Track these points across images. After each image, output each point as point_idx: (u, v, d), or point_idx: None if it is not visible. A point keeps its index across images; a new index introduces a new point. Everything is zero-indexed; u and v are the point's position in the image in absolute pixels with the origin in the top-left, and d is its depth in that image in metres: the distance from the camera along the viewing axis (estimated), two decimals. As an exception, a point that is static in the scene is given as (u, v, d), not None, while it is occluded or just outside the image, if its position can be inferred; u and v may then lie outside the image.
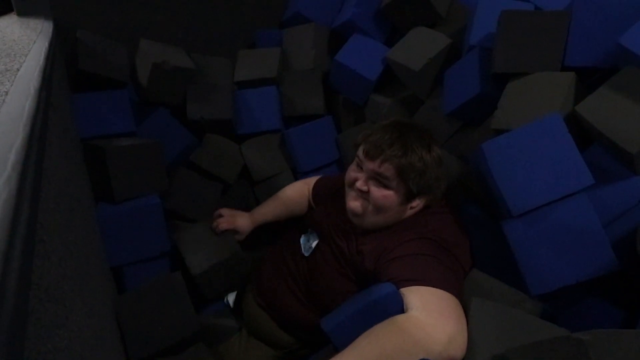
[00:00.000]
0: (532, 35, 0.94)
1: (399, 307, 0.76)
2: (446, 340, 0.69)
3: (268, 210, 1.28)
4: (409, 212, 0.96)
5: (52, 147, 0.63)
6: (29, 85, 0.52)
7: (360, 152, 0.96)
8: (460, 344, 0.70)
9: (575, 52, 0.92)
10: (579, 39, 0.92)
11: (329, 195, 1.17)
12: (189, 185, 1.39)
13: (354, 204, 0.96)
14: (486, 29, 1.08)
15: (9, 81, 0.53)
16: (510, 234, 0.83)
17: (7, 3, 1.07)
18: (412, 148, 0.91)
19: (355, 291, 0.92)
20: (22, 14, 1.05)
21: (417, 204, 0.95)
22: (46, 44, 0.77)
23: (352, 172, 0.98)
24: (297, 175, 1.54)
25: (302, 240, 1.08)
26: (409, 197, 0.93)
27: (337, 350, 0.78)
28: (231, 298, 1.21)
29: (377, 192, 0.92)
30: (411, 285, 0.78)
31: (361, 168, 0.96)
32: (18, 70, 0.58)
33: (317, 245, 1.04)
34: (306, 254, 1.05)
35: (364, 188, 0.93)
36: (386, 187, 0.92)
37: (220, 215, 1.23)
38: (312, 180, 1.30)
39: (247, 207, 1.55)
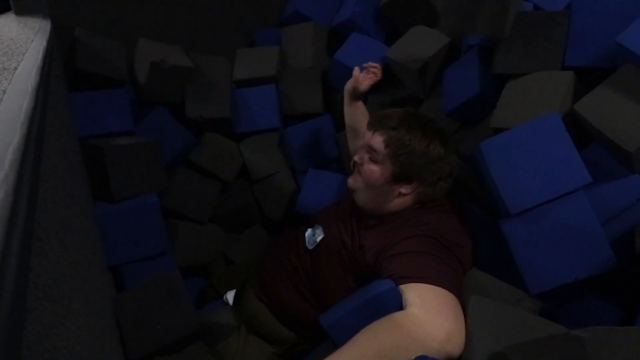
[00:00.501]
0: (533, 36, 0.94)
1: (398, 304, 0.77)
2: (444, 337, 0.69)
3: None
4: (400, 200, 0.96)
5: (50, 146, 0.63)
6: (27, 84, 0.52)
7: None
8: (458, 342, 0.70)
9: (574, 52, 0.92)
10: (577, 39, 0.92)
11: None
12: (187, 184, 1.39)
13: (350, 179, 1.02)
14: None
15: (6, 80, 0.52)
16: (509, 233, 0.83)
17: (4, 2, 1.07)
18: (407, 126, 0.93)
19: (357, 287, 0.93)
20: (19, 12, 1.04)
21: (406, 190, 0.95)
22: (44, 43, 0.77)
23: (357, 152, 1.03)
24: (296, 173, 1.54)
25: (307, 234, 1.08)
26: (396, 177, 0.94)
27: (335, 346, 0.78)
28: (230, 296, 1.21)
29: (366, 167, 0.97)
30: (410, 282, 0.78)
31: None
32: (16, 69, 0.58)
33: (321, 239, 1.04)
34: (310, 248, 1.05)
35: (359, 161, 0.98)
36: (375, 161, 0.96)
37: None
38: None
39: (246, 206, 1.55)
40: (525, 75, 0.95)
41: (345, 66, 1.42)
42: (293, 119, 1.55)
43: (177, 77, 1.37)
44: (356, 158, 1.00)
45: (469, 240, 0.93)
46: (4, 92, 0.48)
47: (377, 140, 0.95)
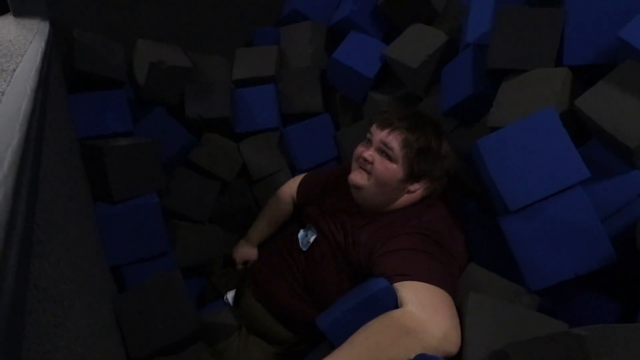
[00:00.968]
0: (527, 32, 0.94)
1: (393, 302, 0.77)
2: (441, 335, 0.70)
3: (262, 230, 1.32)
4: (406, 198, 0.97)
5: (49, 147, 0.63)
6: (25, 86, 0.52)
7: (372, 127, 1.00)
8: (454, 339, 0.71)
9: (572, 50, 0.92)
10: (575, 36, 0.91)
11: (320, 191, 1.18)
12: (187, 184, 1.39)
13: (356, 175, 0.99)
14: (481, 26, 1.08)
15: (5, 81, 0.52)
16: (508, 230, 0.83)
17: (3, 3, 1.06)
18: (422, 127, 0.95)
19: (352, 285, 0.93)
20: (18, 14, 1.04)
21: (416, 188, 0.96)
22: (42, 44, 0.77)
23: (360, 147, 1.02)
24: (296, 173, 1.54)
25: (300, 235, 1.09)
26: (410, 176, 0.95)
27: (332, 346, 0.78)
28: (230, 296, 1.21)
29: (381, 164, 0.95)
30: (404, 280, 0.78)
31: (370, 143, 0.99)
32: (14, 70, 0.58)
33: (315, 239, 1.04)
34: (304, 249, 1.05)
35: (370, 158, 0.96)
36: (390, 159, 0.95)
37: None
38: (292, 186, 1.32)
39: (246, 206, 1.55)
40: (521, 74, 0.95)
41: (344, 65, 1.42)
42: (292, 119, 1.55)
43: (176, 77, 1.37)
44: (366, 155, 0.97)
45: (461, 235, 0.94)
46: (3, 93, 0.48)
47: (394, 140, 0.94)
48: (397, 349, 0.68)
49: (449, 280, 0.82)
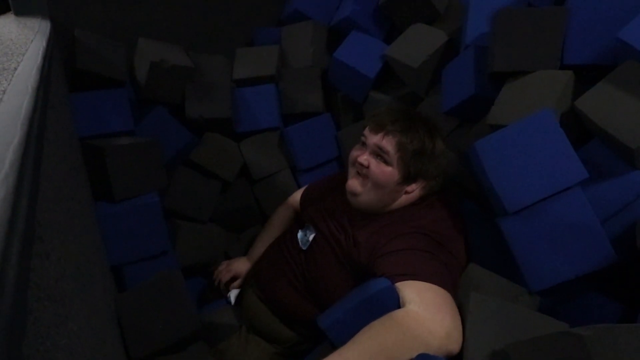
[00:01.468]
0: (530, 33, 0.94)
1: (395, 302, 0.77)
2: (444, 334, 0.70)
3: (263, 247, 1.26)
4: (404, 198, 0.98)
5: (50, 146, 0.63)
6: (27, 84, 0.52)
7: (366, 130, 1.00)
8: (457, 338, 0.71)
9: (572, 50, 0.92)
10: (576, 36, 0.91)
11: (320, 193, 1.19)
12: (188, 184, 1.39)
13: (353, 182, 1.00)
14: (481, 27, 1.08)
15: (6, 80, 0.52)
16: (507, 231, 0.83)
17: (4, 2, 1.07)
18: (415, 129, 0.95)
19: (353, 283, 0.93)
20: (19, 13, 1.04)
21: (413, 189, 0.97)
22: (44, 43, 0.77)
23: (355, 151, 1.02)
24: (297, 173, 1.54)
25: (299, 235, 1.09)
26: (406, 178, 0.95)
27: (334, 347, 0.78)
28: (233, 295, 1.22)
29: (377, 168, 0.96)
30: (406, 279, 0.79)
31: (365, 146, 0.99)
32: (15, 69, 0.58)
33: (314, 238, 1.05)
34: (304, 248, 1.05)
35: (365, 162, 0.97)
36: (386, 163, 0.95)
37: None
38: (296, 196, 1.31)
39: (247, 205, 1.55)
40: (524, 75, 0.94)
41: (345, 65, 1.41)
42: (293, 118, 1.55)
43: (177, 77, 1.37)
44: (361, 160, 0.97)
45: (461, 234, 0.94)
46: (4, 92, 0.48)
47: (389, 144, 0.94)
48: (401, 349, 0.68)
49: (449, 280, 0.82)
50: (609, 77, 0.82)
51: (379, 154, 0.96)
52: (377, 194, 0.97)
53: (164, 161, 1.22)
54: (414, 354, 0.67)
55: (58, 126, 0.79)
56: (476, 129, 1.08)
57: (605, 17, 0.89)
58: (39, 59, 0.65)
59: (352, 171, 1.02)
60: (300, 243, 1.07)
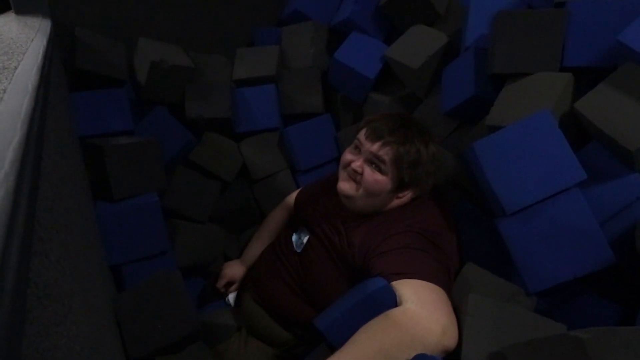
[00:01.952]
0: (529, 35, 0.94)
1: (392, 301, 0.77)
2: (441, 331, 0.70)
3: (257, 249, 1.26)
4: (396, 202, 0.99)
5: (50, 145, 0.63)
6: (27, 84, 0.52)
7: (361, 135, 0.99)
8: (453, 335, 0.72)
9: (572, 52, 0.92)
10: (575, 38, 0.92)
11: (315, 196, 1.19)
12: (187, 184, 1.39)
13: (345, 184, 0.99)
14: (481, 28, 1.08)
15: (6, 79, 0.52)
16: (506, 232, 0.83)
17: (5, 1, 1.07)
18: (412, 139, 0.95)
19: (349, 284, 0.94)
20: (20, 12, 1.04)
21: (405, 194, 0.98)
22: (44, 42, 0.77)
23: (348, 155, 1.01)
24: (296, 173, 1.54)
25: (294, 238, 1.09)
26: (399, 186, 0.96)
27: (331, 348, 0.78)
28: (232, 297, 1.22)
29: (371, 176, 0.95)
30: (402, 278, 0.79)
31: (359, 151, 0.99)
32: (16, 68, 0.58)
33: (308, 240, 1.05)
34: (298, 251, 1.06)
35: (359, 169, 0.96)
36: (380, 171, 0.95)
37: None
38: (290, 199, 1.31)
39: (246, 206, 1.55)
40: (524, 77, 0.94)
41: (345, 65, 1.42)
42: (293, 119, 1.55)
43: (177, 77, 1.37)
44: (355, 166, 0.97)
45: (453, 232, 0.95)
46: (4, 91, 0.48)
47: (386, 155, 0.94)
48: (399, 348, 0.69)
49: (443, 277, 0.83)
50: (609, 80, 0.82)
51: (374, 162, 0.95)
52: (368, 200, 0.97)
53: (163, 161, 1.22)
54: (413, 353, 0.68)
55: (58, 125, 0.79)
56: (475, 130, 1.08)
57: (605, 19, 0.89)
58: (39, 58, 0.65)
59: (343, 174, 1.01)
60: (294, 246, 1.07)
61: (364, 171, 0.96)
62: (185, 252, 1.33)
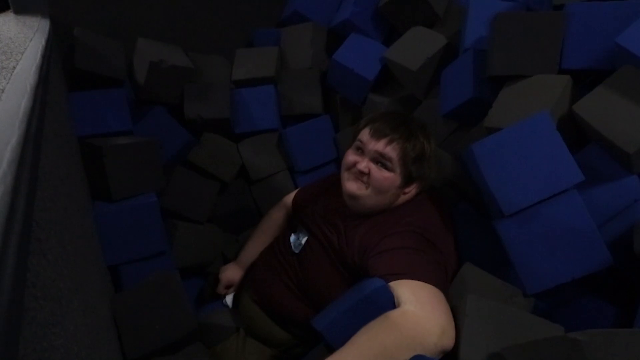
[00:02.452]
0: (528, 38, 0.94)
1: (390, 302, 0.77)
2: (439, 331, 0.71)
3: (253, 250, 1.25)
4: (402, 198, 1.00)
5: (49, 145, 0.63)
6: (25, 83, 0.52)
7: (364, 135, 0.99)
8: (451, 335, 0.72)
9: (571, 55, 0.92)
10: (574, 41, 0.92)
11: (313, 196, 1.19)
12: (186, 184, 1.39)
13: (352, 185, 0.99)
14: (480, 30, 1.09)
15: (5, 79, 0.52)
16: (504, 234, 0.84)
17: (3, 1, 1.06)
18: (416, 134, 0.97)
19: (347, 284, 0.94)
20: (18, 11, 1.04)
21: (411, 189, 0.99)
22: (43, 42, 0.77)
23: (351, 156, 1.01)
24: (295, 174, 1.54)
25: (292, 238, 1.09)
26: (407, 181, 0.97)
27: (329, 348, 0.78)
28: (229, 298, 1.21)
29: (379, 174, 0.96)
30: (399, 279, 0.79)
31: (361, 152, 0.99)
32: (14, 68, 0.58)
33: (306, 241, 1.05)
34: (296, 251, 1.06)
35: (366, 170, 0.97)
36: (387, 169, 0.96)
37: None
38: (288, 199, 1.31)
39: (245, 206, 1.55)
40: (522, 79, 0.95)
41: (344, 67, 1.42)
42: (292, 120, 1.55)
43: (176, 77, 1.37)
44: (361, 167, 0.97)
45: (450, 232, 0.96)
46: (3, 91, 0.48)
47: (392, 151, 0.95)
48: (399, 349, 0.69)
49: (441, 278, 0.84)
50: (607, 82, 0.82)
51: (380, 160, 0.96)
52: (378, 198, 0.97)
53: (162, 161, 1.22)
54: (411, 354, 0.68)
55: (56, 125, 0.79)
56: (474, 132, 1.09)
57: (603, 22, 0.89)
58: (37, 58, 0.65)
59: (347, 175, 1.01)
60: (292, 247, 1.07)
61: (371, 170, 0.96)
62: (183, 253, 1.33)
